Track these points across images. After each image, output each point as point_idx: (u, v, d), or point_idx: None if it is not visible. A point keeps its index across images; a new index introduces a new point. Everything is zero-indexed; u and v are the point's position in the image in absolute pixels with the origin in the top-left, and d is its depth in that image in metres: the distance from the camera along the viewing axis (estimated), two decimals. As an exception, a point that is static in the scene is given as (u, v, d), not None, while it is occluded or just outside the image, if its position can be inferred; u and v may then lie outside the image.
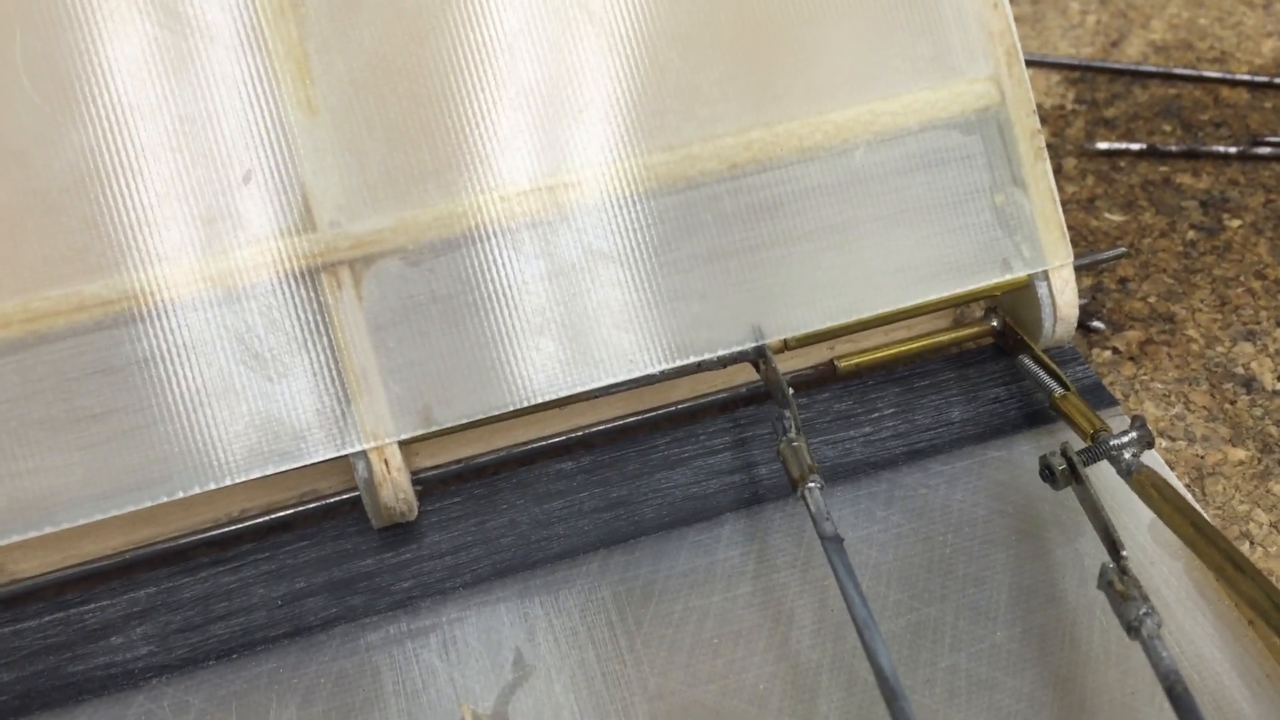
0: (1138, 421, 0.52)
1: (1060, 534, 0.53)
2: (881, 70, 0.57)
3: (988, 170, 0.57)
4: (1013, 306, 0.60)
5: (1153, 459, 0.54)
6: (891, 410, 0.58)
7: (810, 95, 0.56)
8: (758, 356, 0.55)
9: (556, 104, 0.54)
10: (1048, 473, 0.52)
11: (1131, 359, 0.65)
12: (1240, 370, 0.65)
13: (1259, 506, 0.58)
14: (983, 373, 0.61)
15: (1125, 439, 0.52)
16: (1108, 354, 0.66)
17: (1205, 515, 0.52)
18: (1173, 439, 0.61)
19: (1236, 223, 0.74)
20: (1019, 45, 0.57)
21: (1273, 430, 0.61)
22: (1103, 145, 0.79)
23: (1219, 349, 0.66)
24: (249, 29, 0.51)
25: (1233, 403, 0.63)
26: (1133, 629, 0.43)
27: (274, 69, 0.51)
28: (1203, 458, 0.60)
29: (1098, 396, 0.59)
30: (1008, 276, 0.57)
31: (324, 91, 0.52)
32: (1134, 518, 0.53)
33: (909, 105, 0.56)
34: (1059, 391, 0.56)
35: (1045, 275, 0.57)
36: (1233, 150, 0.78)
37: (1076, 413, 0.55)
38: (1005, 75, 0.57)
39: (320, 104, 0.52)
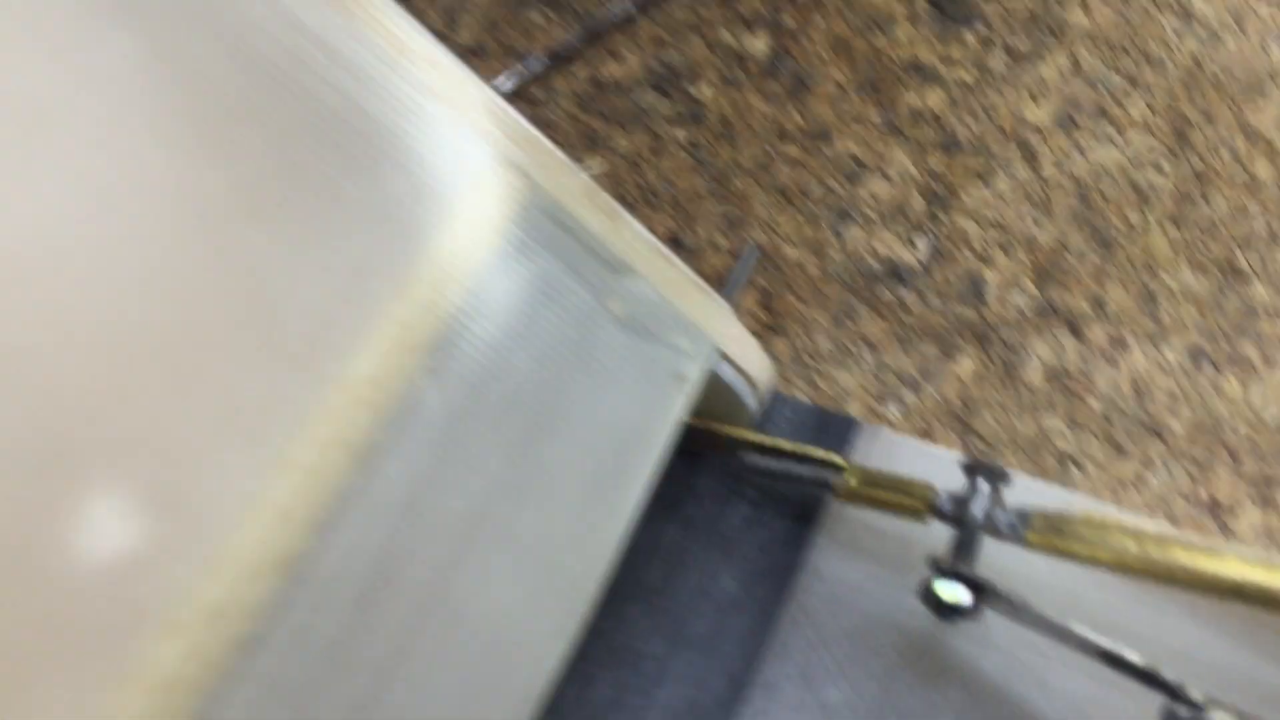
0: (975, 465, 0.38)
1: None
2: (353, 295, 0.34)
3: (578, 281, 0.37)
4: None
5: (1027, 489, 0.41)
6: (660, 644, 0.40)
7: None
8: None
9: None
10: (948, 609, 0.37)
11: (772, 328, 0.51)
12: (873, 263, 0.53)
13: (1023, 413, 0.48)
14: (703, 493, 0.43)
15: (983, 497, 0.38)
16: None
17: (1129, 520, 0.40)
18: (899, 399, 0.49)
19: (707, 90, 0.60)
20: (515, 115, 0.37)
21: (960, 313, 0.51)
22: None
23: (833, 254, 0.53)
24: None
25: (904, 309, 0.51)
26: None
27: None
28: (944, 398, 0.49)
29: (826, 427, 0.45)
30: (689, 389, 0.39)
31: None
32: (1082, 579, 0.40)
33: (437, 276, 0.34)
34: (837, 478, 0.40)
35: (721, 353, 0.40)
36: (629, 9, 0.64)
37: (881, 491, 0.40)
38: (517, 153, 0.37)
39: None
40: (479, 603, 0.33)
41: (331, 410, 0.32)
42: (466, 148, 0.35)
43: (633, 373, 0.38)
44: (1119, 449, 0.47)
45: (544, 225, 0.36)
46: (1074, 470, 0.46)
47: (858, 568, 0.42)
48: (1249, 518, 0.44)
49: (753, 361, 0.41)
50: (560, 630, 0.35)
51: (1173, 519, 0.45)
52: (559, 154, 0.37)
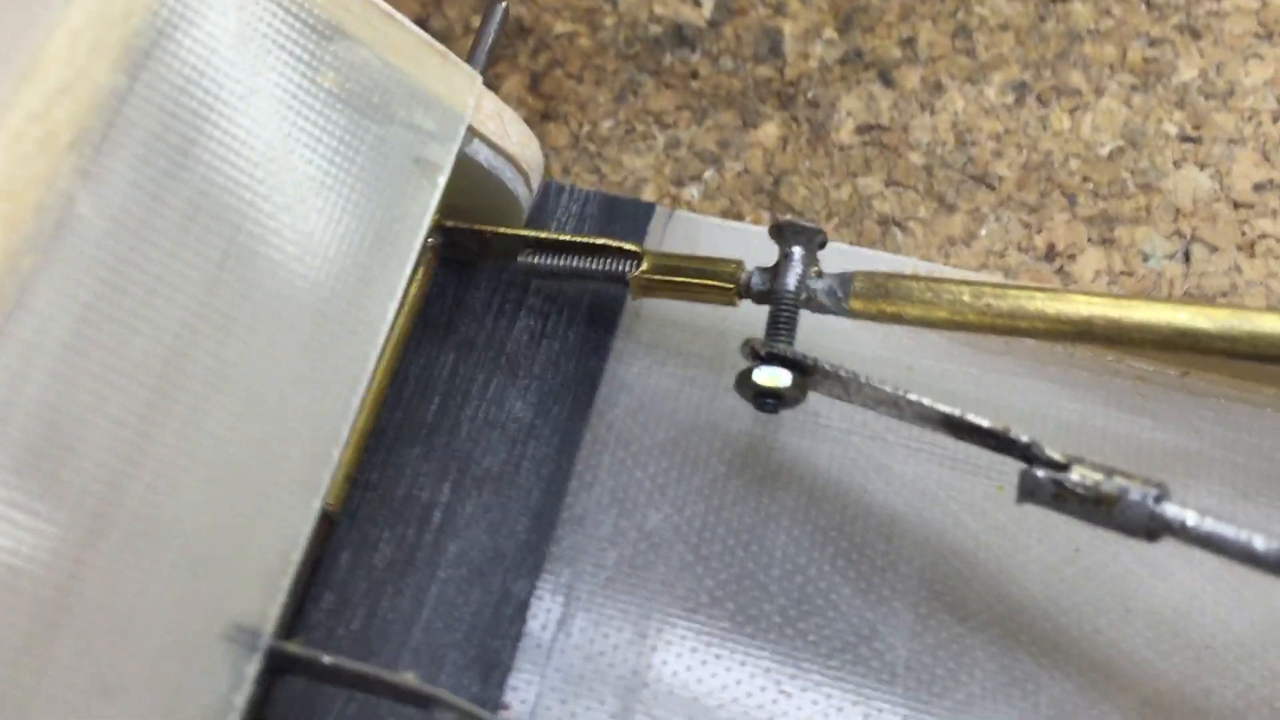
0: (784, 227, 0.34)
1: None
2: None
3: (275, 49, 0.31)
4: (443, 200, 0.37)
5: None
6: (447, 490, 0.35)
7: None
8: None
9: None
10: (769, 397, 0.33)
11: (545, 115, 0.45)
12: (654, 27, 0.47)
13: (837, 177, 0.43)
14: (478, 309, 0.38)
15: (794, 263, 0.33)
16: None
17: (963, 274, 0.36)
18: (698, 178, 0.44)
19: None
20: None
21: (758, 74, 0.46)
22: None
23: (606, 22, 0.48)
24: None
25: (694, 75, 0.46)
26: (1153, 529, 0.28)
27: None
28: (749, 170, 0.44)
29: (616, 215, 0.40)
30: (437, 176, 0.33)
31: None
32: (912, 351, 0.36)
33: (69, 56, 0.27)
34: (632, 268, 0.35)
35: (471, 131, 0.34)
36: None
37: (682, 277, 0.35)
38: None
39: None
40: (194, 463, 0.27)
41: None
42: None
43: (363, 161, 0.32)
44: (945, 204, 0.43)
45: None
46: (898, 233, 0.42)
47: (666, 371, 0.37)
48: (1090, 261, 0.41)
49: (515, 140, 0.36)
50: (310, 482, 0.29)
51: (1008, 272, 0.41)
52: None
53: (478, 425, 0.36)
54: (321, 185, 0.31)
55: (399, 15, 0.33)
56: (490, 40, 0.36)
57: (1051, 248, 0.42)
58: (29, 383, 0.25)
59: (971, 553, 0.34)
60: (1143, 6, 0.46)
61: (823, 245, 0.34)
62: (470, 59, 0.35)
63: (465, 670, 0.33)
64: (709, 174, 0.44)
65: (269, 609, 0.28)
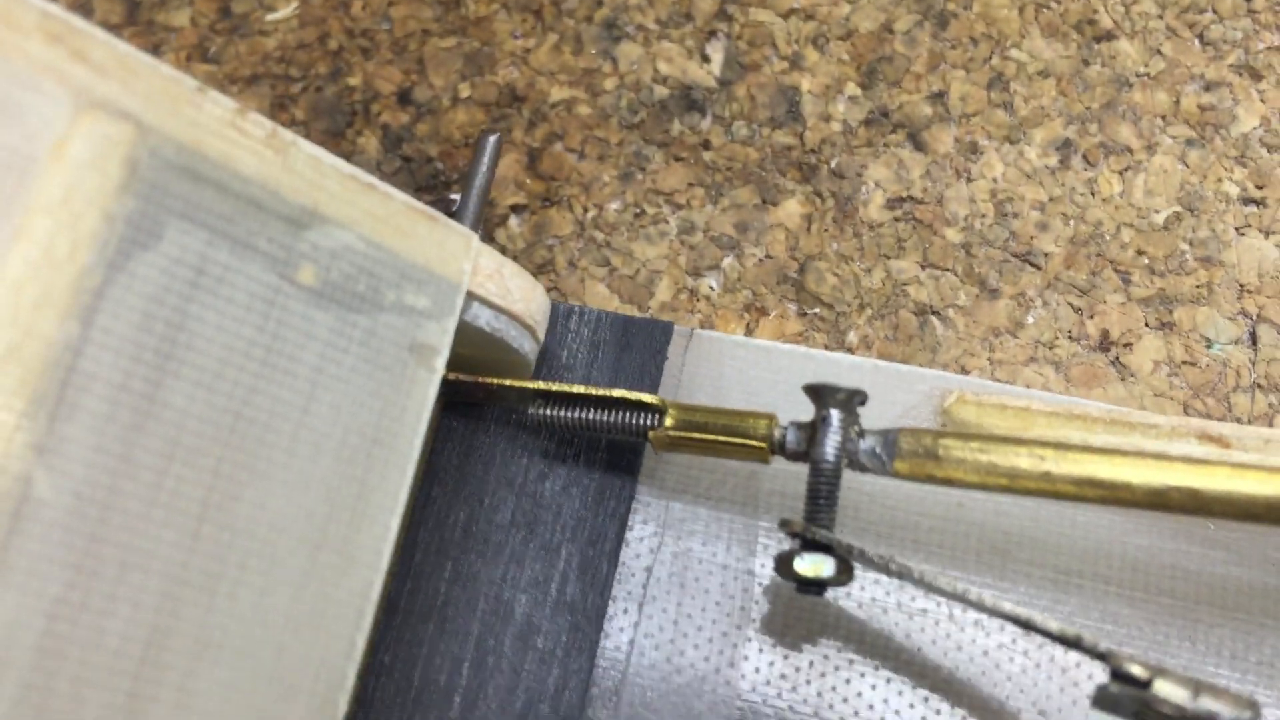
0: (822, 390, 0.31)
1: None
2: None
3: (243, 252, 0.27)
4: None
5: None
6: (467, 671, 0.33)
7: None
8: None
9: None
10: (811, 584, 0.30)
11: (546, 199, 0.42)
12: (659, 89, 0.43)
13: (868, 260, 0.40)
14: (486, 456, 0.35)
15: (832, 424, 0.31)
16: (515, 228, 0.42)
17: (1013, 410, 0.33)
18: (716, 266, 0.41)
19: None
20: (88, 27, 0.26)
21: (775, 140, 0.42)
22: None
23: (606, 85, 0.44)
24: None
25: (706, 145, 0.42)
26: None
27: None
28: (771, 256, 0.41)
29: (632, 338, 0.37)
30: (436, 360, 0.30)
31: None
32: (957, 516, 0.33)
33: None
34: (652, 423, 0.32)
35: (470, 295, 0.31)
36: None
37: (709, 434, 0.32)
38: (108, 85, 0.26)
39: None
40: (185, 753, 0.25)
41: None
42: (19, 98, 0.25)
43: (352, 362, 0.29)
44: (986, 288, 0.40)
45: (172, 185, 0.26)
46: (937, 325, 0.39)
47: (696, 526, 0.35)
48: (1148, 350, 0.38)
49: (518, 296, 0.32)
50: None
51: (1059, 366, 0.38)
52: (168, 71, 0.27)
53: (495, 594, 0.34)
54: (308, 400, 0.28)
55: (381, 184, 0.30)
56: (484, 181, 0.32)
57: (1105, 335, 0.39)
58: (-3, 703, 0.23)
59: (1036, 725, 0.32)
60: (1196, 43, 0.42)
61: (863, 403, 0.31)
62: (460, 208, 0.32)
63: None
64: (728, 262, 0.41)
65: None
